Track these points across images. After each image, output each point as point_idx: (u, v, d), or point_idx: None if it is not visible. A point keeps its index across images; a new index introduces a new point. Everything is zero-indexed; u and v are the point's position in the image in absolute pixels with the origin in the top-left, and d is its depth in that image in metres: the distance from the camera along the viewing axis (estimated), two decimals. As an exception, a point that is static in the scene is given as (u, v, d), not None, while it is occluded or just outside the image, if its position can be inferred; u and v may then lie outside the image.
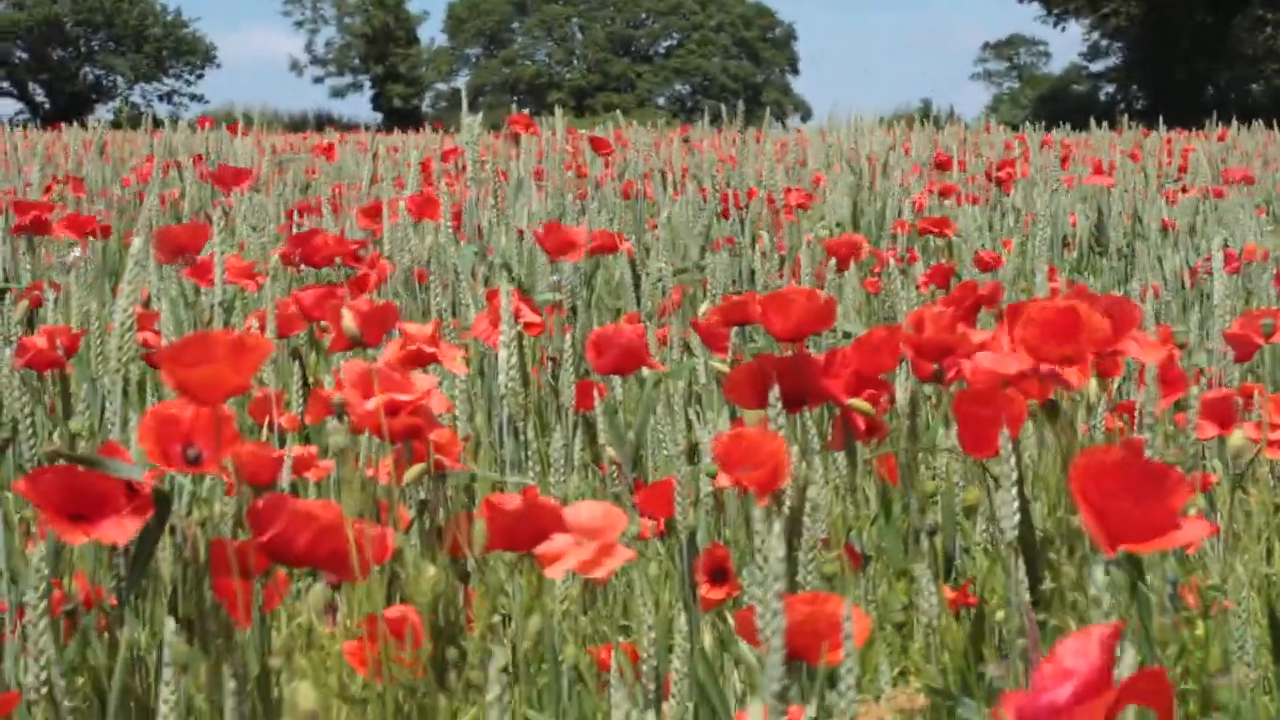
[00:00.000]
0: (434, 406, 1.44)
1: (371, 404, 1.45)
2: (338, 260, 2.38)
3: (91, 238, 3.17)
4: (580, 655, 1.67)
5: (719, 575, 1.72)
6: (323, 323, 2.18)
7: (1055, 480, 1.44)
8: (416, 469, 1.48)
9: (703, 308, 2.56)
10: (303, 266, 2.43)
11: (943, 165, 6.05)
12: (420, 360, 1.52)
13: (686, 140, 6.67)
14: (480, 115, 3.62)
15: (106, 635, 1.50)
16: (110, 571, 1.48)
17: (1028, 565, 1.39)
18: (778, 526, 1.17)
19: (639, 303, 3.44)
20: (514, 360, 1.61)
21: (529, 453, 1.84)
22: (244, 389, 1.35)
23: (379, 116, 47.40)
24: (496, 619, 1.41)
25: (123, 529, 1.36)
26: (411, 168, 3.55)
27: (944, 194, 5.18)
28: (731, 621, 1.63)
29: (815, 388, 1.58)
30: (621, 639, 1.82)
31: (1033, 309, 1.39)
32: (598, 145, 5.53)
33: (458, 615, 1.41)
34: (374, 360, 1.49)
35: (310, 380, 2.11)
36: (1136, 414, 1.93)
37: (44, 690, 1.31)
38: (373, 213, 2.95)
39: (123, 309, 1.56)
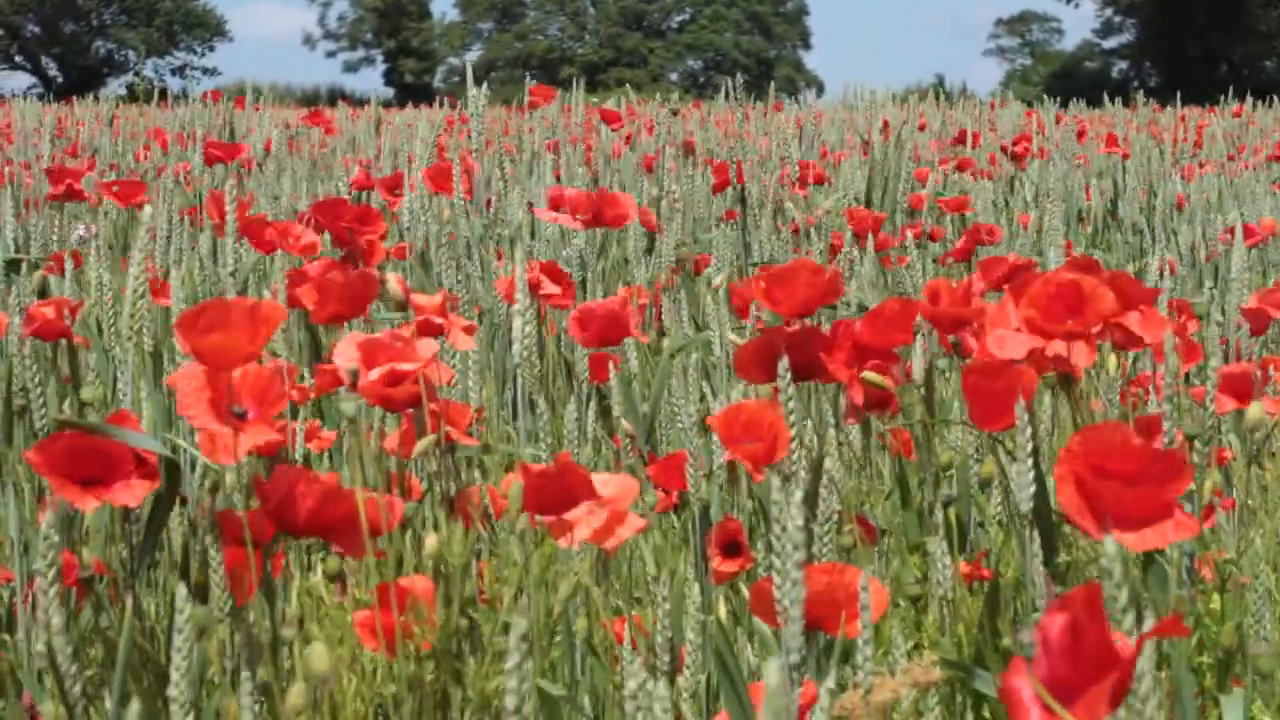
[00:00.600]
0: (437, 377, 1.44)
1: (374, 374, 1.44)
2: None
3: (118, 204, 3.16)
4: (594, 627, 1.66)
5: (732, 548, 1.72)
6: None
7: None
8: (426, 441, 1.48)
9: (717, 278, 2.55)
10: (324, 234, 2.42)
11: (959, 141, 6.03)
12: (429, 331, 1.51)
13: (675, 113, 6.64)
14: (485, 88, 3.60)
15: (119, 604, 1.50)
16: (123, 541, 1.48)
17: (1043, 538, 1.38)
18: (798, 496, 1.16)
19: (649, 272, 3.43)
20: (529, 330, 1.60)
21: (541, 425, 1.83)
22: (256, 356, 1.34)
23: (391, 91, 47.38)
24: (509, 591, 1.40)
25: (133, 492, 1.37)
26: (426, 142, 3.54)
27: (961, 168, 5.16)
28: (746, 594, 1.62)
29: (817, 364, 1.57)
30: (634, 612, 1.81)
31: (1035, 284, 1.38)
32: (608, 118, 5.52)
33: (470, 585, 1.40)
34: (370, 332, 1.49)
35: (323, 352, 2.11)
36: (1150, 388, 1.92)
37: (50, 659, 1.31)
38: (391, 185, 2.95)
39: (134, 277, 1.55)
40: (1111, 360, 1.52)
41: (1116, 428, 1.18)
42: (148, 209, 1.55)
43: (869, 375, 1.50)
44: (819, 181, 4.84)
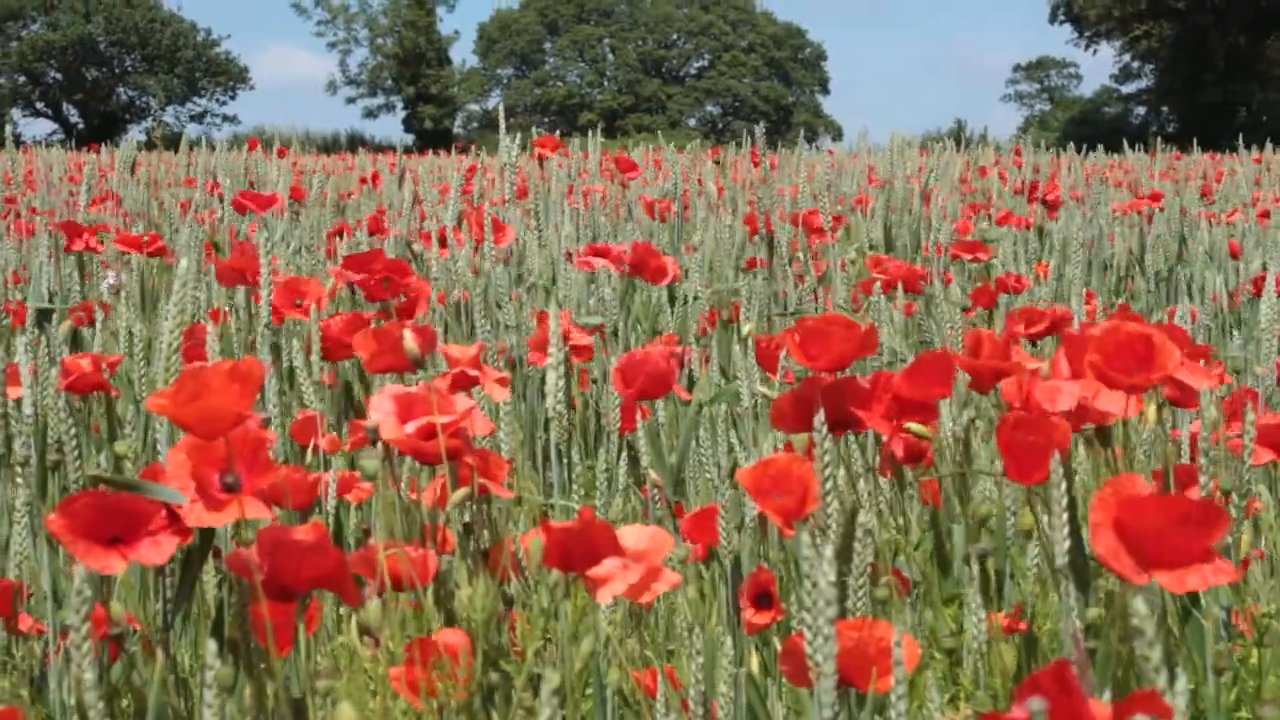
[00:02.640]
0: (476, 429, 1.44)
1: (409, 428, 1.44)
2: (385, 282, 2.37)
3: (139, 255, 3.17)
4: (625, 679, 1.66)
5: (764, 600, 1.71)
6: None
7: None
8: (461, 493, 1.48)
9: (745, 328, 2.55)
10: (355, 290, 2.42)
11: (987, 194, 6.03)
12: (464, 384, 1.52)
13: (718, 162, 6.67)
14: (517, 136, 3.62)
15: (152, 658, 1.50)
16: (155, 595, 1.48)
17: (1079, 591, 1.38)
18: (829, 551, 1.16)
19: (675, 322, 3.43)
20: (560, 383, 1.61)
21: (573, 475, 1.83)
22: (244, 418, 1.34)
23: (411, 137, 47.52)
24: (541, 643, 1.40)
25: (161, 549, 1.36)
26: (451, 194, 3.56)
27: (1001, 222, 5.15)
28: (778, 646, 1.62)
29: (854, 416, 1.57)
30: (666, 663, 1.81)
31: (1103, 334, 1.38)
32: (624, 166, 5.53)
33: (504, 638, 1.40)
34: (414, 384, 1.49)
35: (357, 403, 2.11)
36: (1188, 441, 1.92)
37: (81, 715, 1.31)
38: (423, 239, 2.96)
39: (170, 330, 1.56)
40: (1151, 410, 1.52)
41: (1145, 481, 1.19)
42: (183, 263, 1.55)
43: (914, 427, 1.50)
44: (838, 226, 4.85)
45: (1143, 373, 1.33)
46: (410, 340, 1.51)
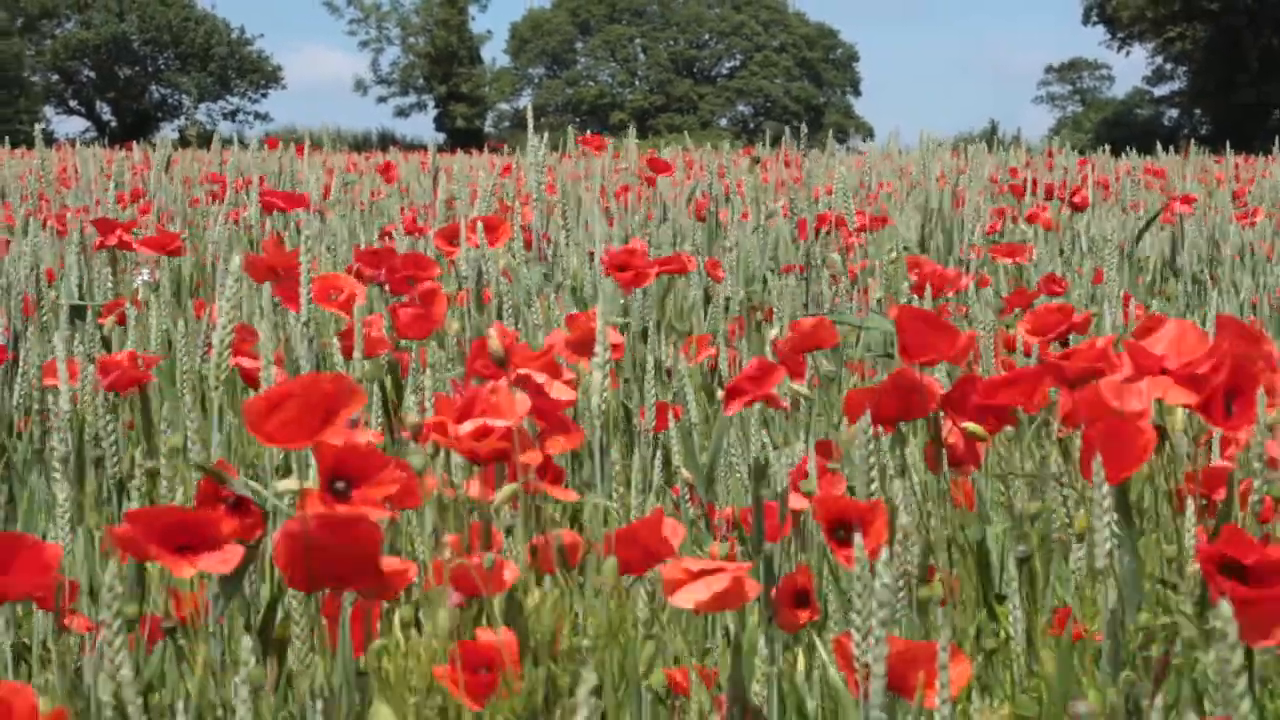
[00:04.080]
0: (560, 440, 1.44)
1: (466, 428, 1.44)
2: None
3: (171, 256, 3.18)
4: (658, 677, 1.66)
5: (801, 599, 1.71)
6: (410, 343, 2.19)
7: (1167, 511, 1.43)
8: (507, 489, 1.47)
9: (773, 331, 2.55)
10: (381, 286, 2.43)
11: (1017, 192, 6.02)
12: (528, 386, 1.51)
13: (757, 161, 6.67)
14: (545, 136, 3.62)
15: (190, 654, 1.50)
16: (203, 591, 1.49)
17: (1128, 594, 1.38)
18: (885, 553, 1.16)
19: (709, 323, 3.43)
20: (605, 381, 1.61)
21: (607, 474, 1.83)
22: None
23: (442, 136, 47.62)
24: (582, 642, 1.40)
25: (226, 559, 1.36)
26: (484, 189, 3.55)
27: (1030, 220, 5.15)
28: (819, 646, 1.62)
29: (923, 413, 1.59)
30: (698, 662, 1.81)
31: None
32: (658, 167, 5.53)
33: (553, 639, 1.40)
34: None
35: (390, 402, 2.11)
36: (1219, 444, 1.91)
37: (118, 709, 1.31)
38: (449, 235, 2.96)
39: (223, 327, 1.56)
40: (1179, 414, 1.51)
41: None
42: (235, 259, 1.56)
43: (970, 426, 1.51)
44: (875, 226, 4.85)
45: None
46: (495, 341, 1.51)
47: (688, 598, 1.38)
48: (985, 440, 1.54)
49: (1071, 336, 2.21)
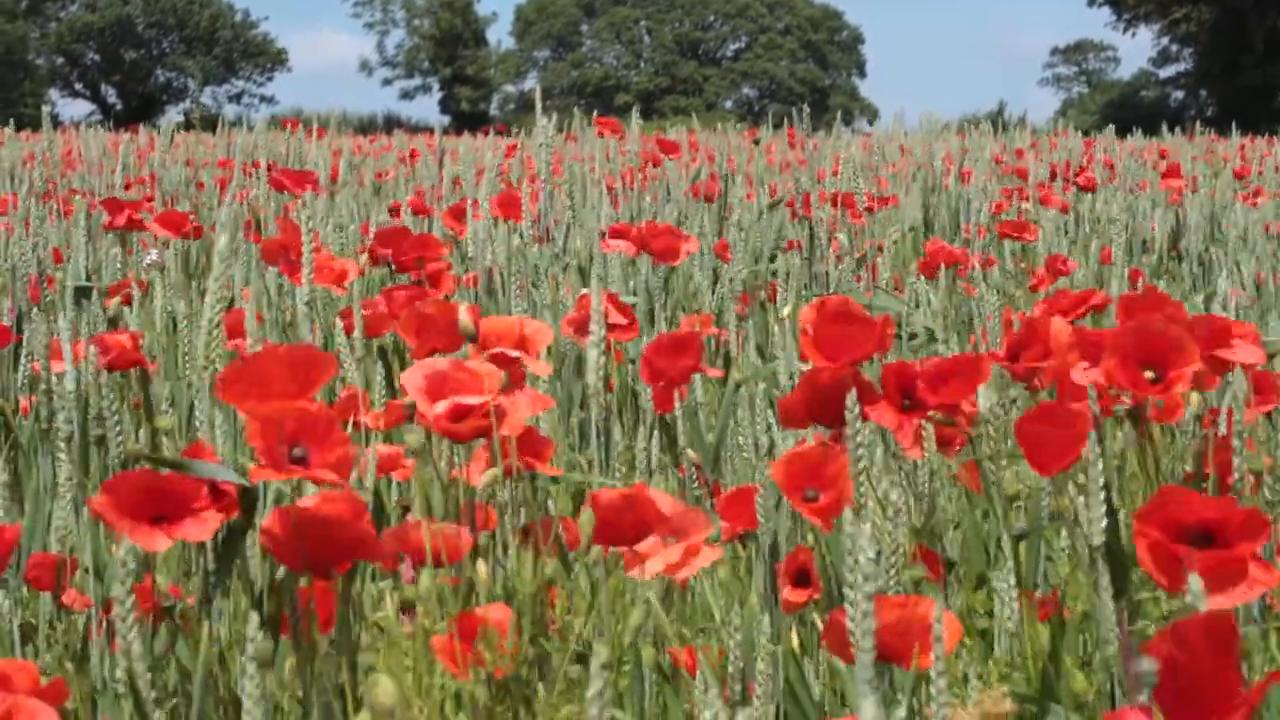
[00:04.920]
0: (525, 408, 1.44)
1: (440, 408, 1.45)
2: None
3: (184, 238, 3.20)
4: (662, 656, 1.67)
5: (802, 578, 1.72)
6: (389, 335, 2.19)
7: (1141, 488, 1.43)
8: (492, 472, 1.48)
9: (785, 309, 2.56)
10: (390, 266, 2.44)
11: (1021, 174, 6.02)
12: (505, 361, 1.52)
13: (757, 143, 6.66)
14: (554, 118, 3.62)
15: (193, 632, 1.51)
16: (197, 570, 1.49)
17: (1113, 573, 1.38)
18: (867, 528, 1.17)
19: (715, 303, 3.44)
20: (602, 360, 1.61)
21: (610, 453, 1.84)
22: (307, 403, 1.35)
23: (446, 119, 47.58)
24: (579, 620, 1.41)
25: (205, 526, 1.37)
26: (490, 171, 3.56)
27: (1044, 203, 5.14)
28: (820, 624, 1.63)
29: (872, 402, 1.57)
30: (701, 641, 1.82)
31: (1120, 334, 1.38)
32: (666, 148, 5.54)
33: (544, 613, 1.41)
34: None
35: (395, 380, 2.12)
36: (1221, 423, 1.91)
37: (130, 685, 1.32)
38: (457, 214, 2.97)
39: (211, 306, 1.57)
40: (1194, 396, 1.52)
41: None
42: (223, 239, 1.56)
43: (938, 416, 1.51)
44: (879, 206, 4.85)
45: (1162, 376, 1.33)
46: (465, 317, 1.51)
47: (648, 570, 1.39)
48: (953, 425, 1.54)
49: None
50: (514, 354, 1.48)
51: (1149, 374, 1.36)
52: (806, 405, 1.56)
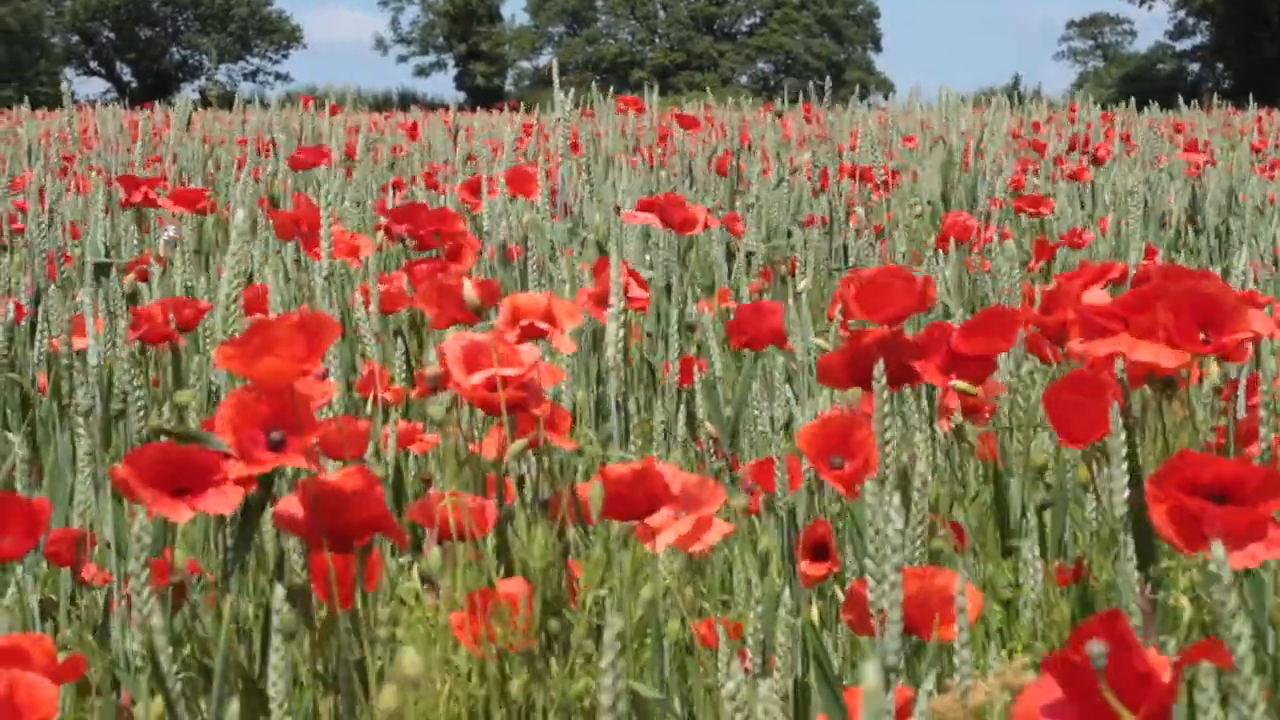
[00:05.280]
0: (544, 380, 1.44)
1: (477, 378, 1.45)
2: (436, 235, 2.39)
3: (199, 214, 3.20)
4: (682, 630, 1.67)
5: (820, 551, 1.72)
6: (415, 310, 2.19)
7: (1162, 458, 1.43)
8: (519, 444, 1.48)
9: (802, 283, 2.55)
10: (407, 241, 2.44)
11: (1038, 147, 6.00)
12: (532, 334, 1.52)
13: (779, 115, 6.66)
14: (571, 93, 3.62)
15: (212, 607, 1.51)
16: (216, 545, 1.50)
17: (1138, 543, 1.38)
18: (896, 499, 1.17)
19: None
20: (621, 333, 1.61)
21: (630, 427, 1.84)
22: (310, 373, 1.34)
23: (462, 95, 47.53)
24: (601, 593, 1.41)
25: (227, 499, 1.37)
26: (504, 149, 3.56)
27: (1075, 178, 5.12)
28: (840, 597, 1.63)
29: (908, 370, 1.57)
30: (721, 614, 1.82)
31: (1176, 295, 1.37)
32: (685, 123, 5.53)
33: (562, 587, 1.41)
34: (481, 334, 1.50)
35: (413, 355, 2.12)
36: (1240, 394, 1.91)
37: (148, 658, 1.32)
38: (472, 188, 2.96)
39: (229, 281, 1.57)
40: (1214, 368, 1.51)
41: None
42: (240, 214, 1.56)
43: (958, 384, 1.50)
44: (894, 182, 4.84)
45: (1214, 338, 1.32)
46: (470, 290, 1.51)
47: (660, 543, 1.39)
48: (974, 395, 1.54)
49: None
50: (544, 326, 1.48)
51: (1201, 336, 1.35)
52: (847, 366, 1.56)
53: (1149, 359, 1.32)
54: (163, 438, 1.39)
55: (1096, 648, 0.89)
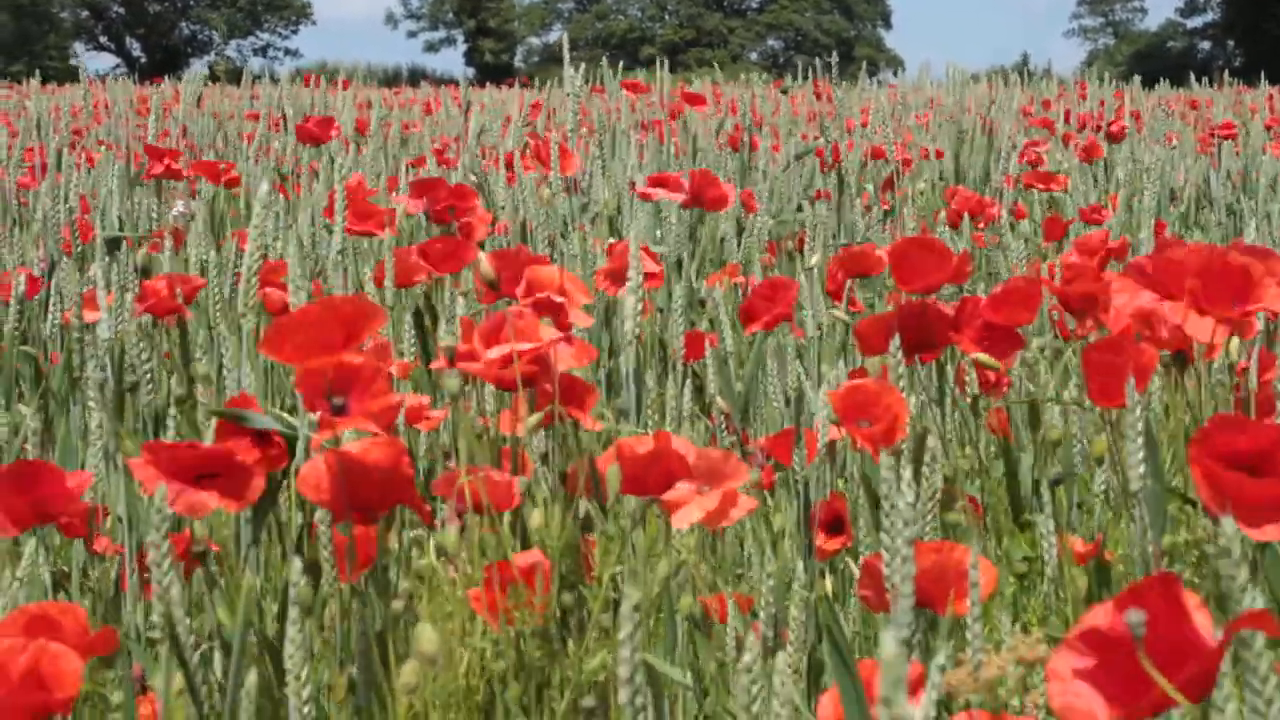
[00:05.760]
0: (569, 357, 1.45)
1: (492, 354, 1.45)
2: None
3: (226, 186, 3.20)
4: (695, 605, 1.67)
5: (835, 525, 1.72)
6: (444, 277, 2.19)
7: (1183, 431, 1.43)
8: (534, 418, 1.48)
9: (812, 259, 2.55)
10: (424, 216, 2.44)
11: (1046, 125, 5.99)
12: (546, 308, 1.52)
13: (785, 92, 6.65)
14: (582, 69, 3.62)
15: (227, 579, 1.51)
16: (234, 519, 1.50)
17: (1152, 516, 1.38)
18: (907, 474, 1.17)
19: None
20: (639, 307, 1.61)
21: (643, 402, 1.84)
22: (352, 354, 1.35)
23: (471, 71, 47.48)
24: (617, 568, 1.41)
25: (250, 488, 1.37)
26: (514, 124, 3.56)
27: (1088, 154, 5.10)
28: (855, 570, 1.63)
29: (943, 339, 1.58)
30: (734, 589, 1.82)
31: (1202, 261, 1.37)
32: (692, 100, 5.52)
33: (579, 562, 1.41)
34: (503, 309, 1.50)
35: (428, 331, 2.12)
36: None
37: (169, 628, 1.32)
38: (487, 164, 2.96)
39: (250, 254, 1.57)
40: (1234, 341, 1.51)
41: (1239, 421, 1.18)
42: (263, 186, 1.56)
43: (981, 357, 1.51)
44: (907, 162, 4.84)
45: (1240, 304, 1.32)
46: (486, 263, 1.51)
47: (684, 518, 1.39)
48: (997, 369, 1.54)
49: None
50: (559, 299, 1.48)
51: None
52: (886, 333, 1.57)
53: (1183, 324, 1.33)
54: (189, 409, 1.40)
55: (1135, 615, 0.89)
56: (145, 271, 2.39)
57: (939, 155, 5.02)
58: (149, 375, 1.78)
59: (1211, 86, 11.98)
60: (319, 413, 1.33)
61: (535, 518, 1.41)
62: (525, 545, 1.44)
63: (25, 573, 1.54)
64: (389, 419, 1.38)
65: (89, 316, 2.08)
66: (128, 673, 1.52)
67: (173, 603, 1.26)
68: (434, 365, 1.52)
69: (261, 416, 1.38)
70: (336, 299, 1.36)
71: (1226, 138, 5.69)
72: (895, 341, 1.47)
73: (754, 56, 50.46)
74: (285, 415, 1.46)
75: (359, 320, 1.35)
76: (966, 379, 1.76)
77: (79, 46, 47.93)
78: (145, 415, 1.96)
